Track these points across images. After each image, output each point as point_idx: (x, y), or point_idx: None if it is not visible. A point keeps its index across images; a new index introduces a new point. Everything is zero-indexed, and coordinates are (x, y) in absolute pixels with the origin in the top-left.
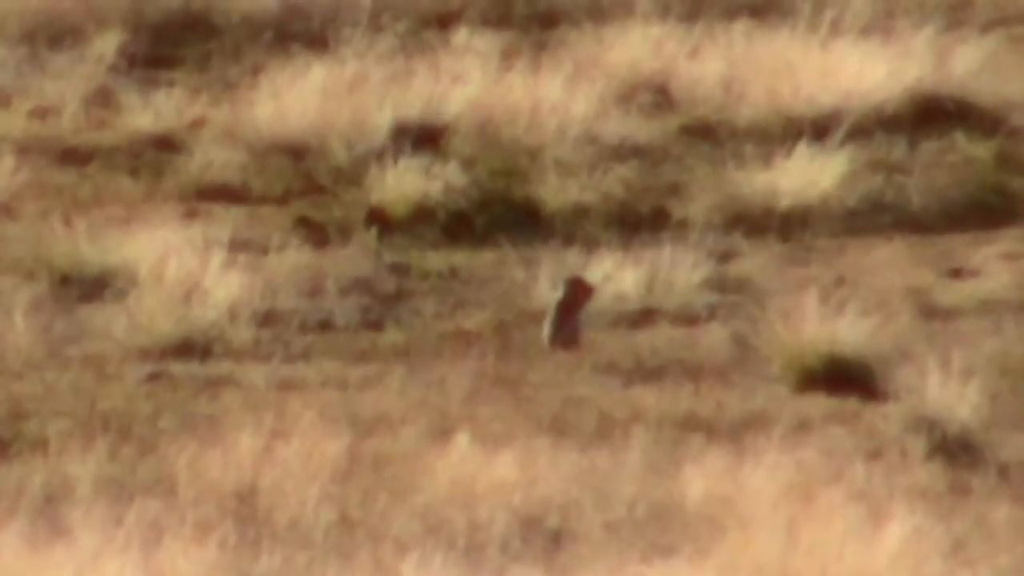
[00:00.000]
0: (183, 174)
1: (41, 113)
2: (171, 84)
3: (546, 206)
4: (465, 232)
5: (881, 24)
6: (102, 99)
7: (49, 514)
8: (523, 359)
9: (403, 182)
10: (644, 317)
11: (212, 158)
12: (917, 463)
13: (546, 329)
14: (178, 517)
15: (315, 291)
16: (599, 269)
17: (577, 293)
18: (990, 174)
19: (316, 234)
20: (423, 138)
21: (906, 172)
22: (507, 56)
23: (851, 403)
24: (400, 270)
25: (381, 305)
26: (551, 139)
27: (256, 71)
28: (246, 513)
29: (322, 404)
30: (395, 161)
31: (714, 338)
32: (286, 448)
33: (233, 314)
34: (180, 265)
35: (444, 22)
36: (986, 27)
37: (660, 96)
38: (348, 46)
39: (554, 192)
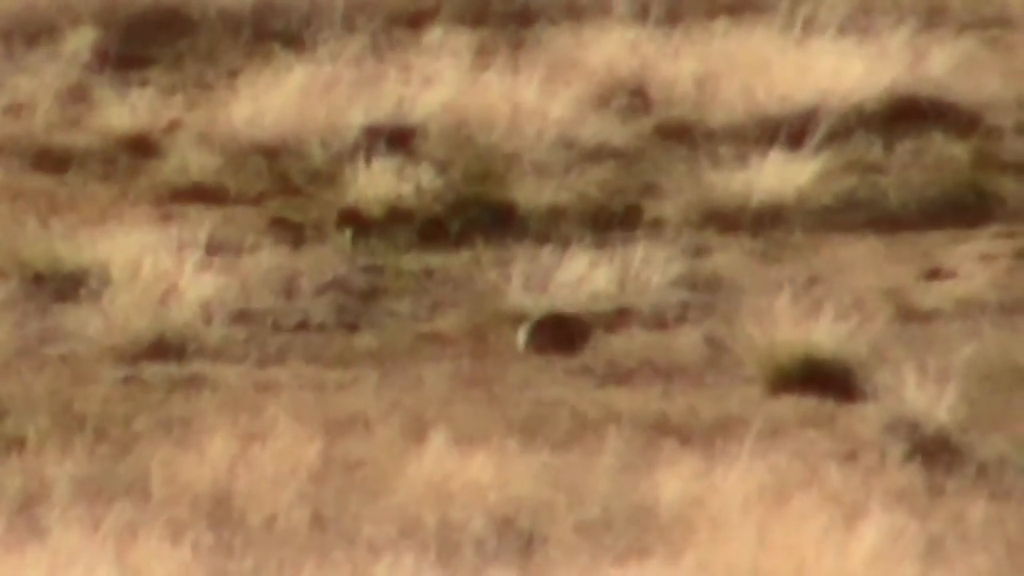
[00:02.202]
0: (158, 176)
1: (15, 111)
2: (146, 82)
3: (520, 207)
4: (440, 233)
5: (857, 23)
6: (76, 97)
7: (25, 515)
8: (497, 360)
9: (377, 184)
10: (617, 317)
11: (187, 160)
12: (893, 465)
13: (520, 338)
14: (152, 518)
15: (290, 292)
16: (572, 268)
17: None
18: (966, 173)
19: (291, 235)
20: (396, 139)
21: (882, 171)
22: (482, 55)
23: (826, 405)
24: (375, 271)
25: (356, 306)
26: (527, 141)
27: (232, 70)
28: (220, 514)
29: (297, 405)
30: (368, 162)
31: (687, 339)
32: (261, 450)
33: (208, 315)
34: (155, 265)
35: (417, 21)
36: (963, 28)
37: (637, 98)
38: (324, 45)
39: (528, 194)
